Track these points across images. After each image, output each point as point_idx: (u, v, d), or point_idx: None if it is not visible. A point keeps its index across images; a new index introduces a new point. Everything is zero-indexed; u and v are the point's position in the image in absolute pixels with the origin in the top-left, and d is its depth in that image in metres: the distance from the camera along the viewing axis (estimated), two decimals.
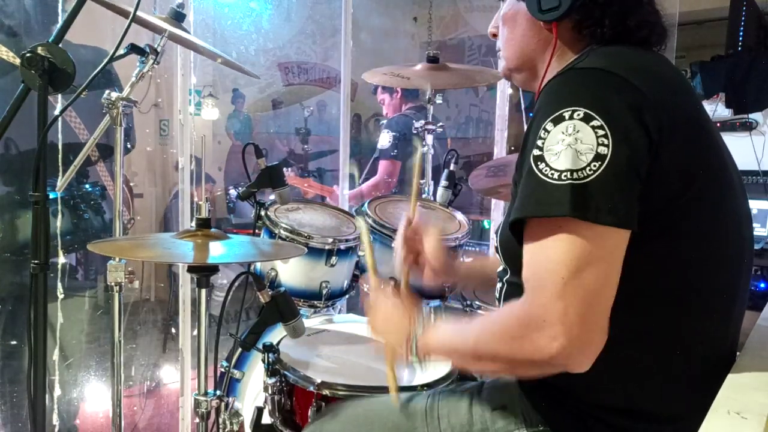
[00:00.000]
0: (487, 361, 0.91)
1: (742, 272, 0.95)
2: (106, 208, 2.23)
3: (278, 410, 1.39)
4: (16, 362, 2.08)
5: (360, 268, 1.87)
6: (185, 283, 2.09)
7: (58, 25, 1.10)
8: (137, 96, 1.49)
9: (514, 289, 0.99)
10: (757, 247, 3.14)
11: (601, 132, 0.78)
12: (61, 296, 2.01)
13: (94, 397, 2.46)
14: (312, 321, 1.77)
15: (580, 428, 0.93)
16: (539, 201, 0.80)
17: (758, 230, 3.29)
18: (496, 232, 1.06)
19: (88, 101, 1.50)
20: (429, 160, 2.42)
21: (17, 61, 1.81)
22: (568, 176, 0.78)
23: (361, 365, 1.45)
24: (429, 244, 1.38)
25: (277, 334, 1.57)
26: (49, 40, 1.07)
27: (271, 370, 1.38)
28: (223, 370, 1.62)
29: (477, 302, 1.72)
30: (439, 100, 2.43)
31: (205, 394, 1.24)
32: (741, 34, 3.27)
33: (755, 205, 3.22)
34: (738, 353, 0.98)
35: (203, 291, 1.21)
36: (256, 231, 1.75)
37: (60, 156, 1.88)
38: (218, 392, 1.26)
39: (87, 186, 2.23)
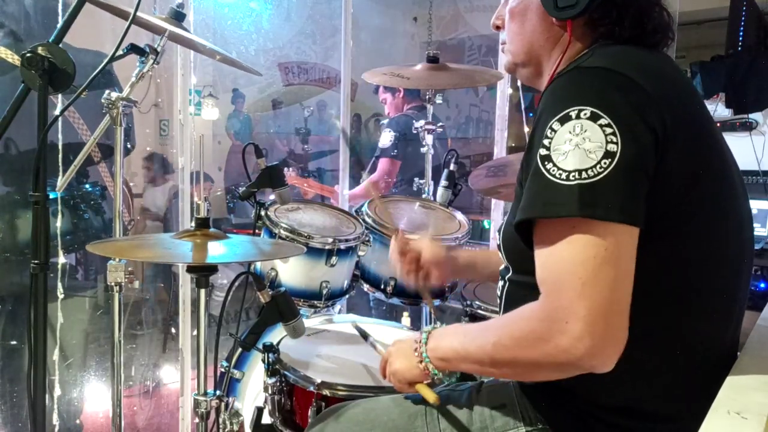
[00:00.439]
0: (506, 367, 0.89)
1: (742, 272, 0.95)
2: (106, 208, 2.24)
3: (278, 410, 1.39)
4: (16, 362, 2.08)
5: (360, 269, 1.87)
6: (185, 283, 2.09)
7: (59, 26, 1.10)
8: (137, 96, 1.49)
9: (517, 288, 0.99)
10: (757, 247, 3.14)
11: (609, 130, 0.78)
12: (61, 296, 2.01)
13: (94, 397, 2.46)
14: (312, 321, 1.78)
15: (580, 427, 0.93)
16: (548, 202, 0.80)
17: (758, 230, 3.29)
18: (499, 231, 1.06)
19: (88, 101, 1.50)
20: (429, 160, 2.42)
21: (17, 61, 1.81)
22: (577, 176, 0.78)
23: (361, 365, 1.45)
24: (426, 252, 1.39)
25: (277, 334, 1.58)
26: (49, 40, 1.07)
27: (271, 370, 1.38)
28: (223, 370, 1.62)
29: (477, 302, 1.72)
30: (439, 100, 2.43)
31: (205, 394, 1.24)
32: (741, 34, 3.26)
33: (755, 205, 3.22)
34: (738, 353, 0.98)
35: (203, 291, 1.21)
36: (256, 231, 1.75)
37: (60, 156, 1.88)
38: (218, 392, 1.26)
39: (87, 186, 2.23)
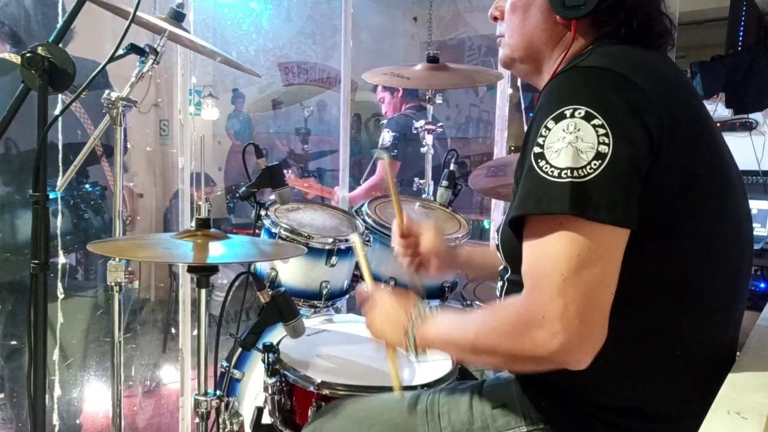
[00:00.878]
0: (485, 354, 0.92)
1: (742, 272, 0.95)
2: (106, 208, 2.24)
3: (278, 410, 1.39)
4: (16, 362, 2.08)
5: (360, 269, 1.87)
6: (185, 283, 2.09)
7: (59, 26, 1.10)
8: (137, 96, 1.49)
9: (515, 288, 0.99)
10: (757, 247, 3.14)
11: (602, 131, 0.78)
12: (61, 296, 2.01)
13: (94, 397, 2.46)
14: (312, 321, 1.77)
15: (580, 427, 0.93)
16: (539, 198, 0.80)
17: (758, 230, 3.29)
18: (498, 230, 1.06)
19: (89, 100, 1.51)
20: (429, 160, 2.42)
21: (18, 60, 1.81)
22: (569, 174, 0.78)
23: (361, 365, 1.45)
24: (427, 241, 1.39)
25: (277, 334, 1.58)
26: (49, 40, 1.07)
27: (271, 370, 1.38)
28: (223, 370, 1.62)
29: (477, 302, 1.72)
30: (439, 100, 2.43)
31: (205, 394, 1.24)
32: (741, 34, 3.26)
33: (755, 205, 3.22)
34: (738, 353, 0.98)
35: (203, 291, 1.21)
36: (256, 231, 1.75)
37: (60, 156, 1.88)
38: (218, 392, 1.26)
39: (87, 186, 2.23)
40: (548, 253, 0.80)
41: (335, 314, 1.93)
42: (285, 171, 3.25)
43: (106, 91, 1.44)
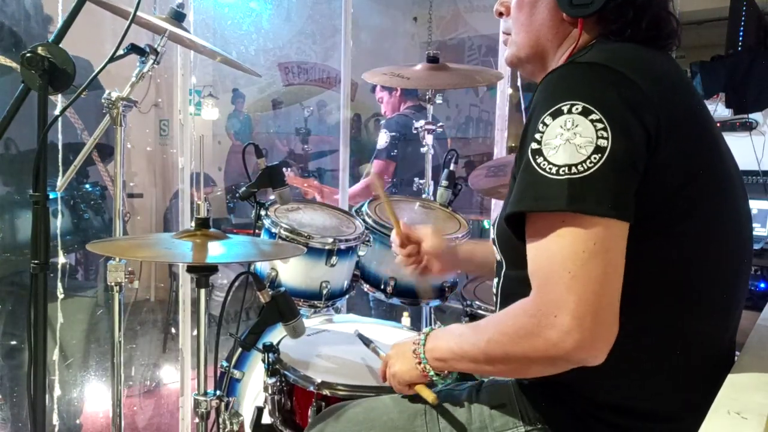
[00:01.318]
0: (499, 363, 0.90)
1: (741, 272, 0.95)
2: (106, 208, 2.24)
3: (278, 410, 1.39)
4: (16, 362, 2.08)
5: (360, 269, 1.87)
6: (185, 283, 2.09)
7: (59, 26, 1.10)
8: (137, 96, 1.49)
9: (512, 283, 0.99)
10: (757, 247, 3.14)
11: (600, 125, 0.78)
12: (61, 296, 2.01)
13: (94, 397, 2.46)
14: (312, 321, 1.78)
15: (579, 427, 0.93)
16: (537, 196, 0.80)
17: (758, 230, 3.29)
18: (493, 225, 1.06)
19: (77, 101, 1.50)
20: (429, 160, 2.42)
21: (14, 65, 1.81)
22: (566, 171, 0.78)
23: (361, 365, 1.45)
24: (427, 244, 1.40)
25: (277, 334, 1.58)
26: (49, 40, 1.07)
27: (271, 370, 1.38)
28: (223, 370, 1.62)
29: (477, 302, 1.72)
30: (439, 100, 2.43)
31: (205, 394, 1.24)
32: (741, 34, 3.26)
33: (755, 205, 3.22)
34: (738, 353, 0.98)
35: (203, 291, 1.21)
36: (256, 231, 1.75)
37: (60, 156, 1.88)
38: (218, 392, 1.26)
39: (87, 186, 2.23)
40: (553, 251, 0.80)
41: (335, 314, 1.93)
42: (285, 170, 3.25)
43: (107, 91, 1.44)
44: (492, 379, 1.10)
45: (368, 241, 1.81)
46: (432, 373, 1.02)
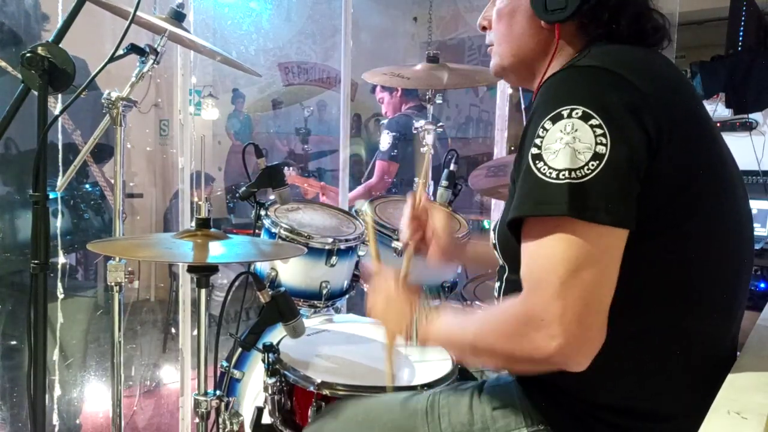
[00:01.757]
0: (484, 355, 0.93)
1: (742, 272, 0.95)
2: (106, 208, 2.24)
3: (278, 410, 1.39)
4: (16, 362, 2.08)
5: (360, 268, 1.87)
6: (185, 283, 2.09)
7: (59, 26, 1.10)
8: (137, 96, 1.49)
9: (514, 287, 0.99)
10: (757, 247, 3.14)
11: (599, 131, 0.78)
12: (61, 296, 2.01)
13: (94, 397, 2.46)
14: (312, 321, 1.77)
15: (580, 427, 0.93)
16: (537, 200, 0.80)
17: (758, 230, 3.29)
18: (494, 230, 1.06)
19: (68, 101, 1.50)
20: (429, 161, 2.42)
21: (9, 67, 1.81)
22: (566, 175, 0.78)
23: (361, 365, 1.45)
24: (437, 219, 1.37)
25: (277, 334, 1.57)
26: (49, 40, 1.07)
27: (271, 370, 1.38)
28: (223, 370, 1.62)
29: (477, 302, 1.72)
30: (439, 100, 2.43)
31: (205, 394, 1.24)
32: (741, 34, 3.26)
33: (755, 205, 3.22)
34: (738, 353, 0.98)
35: (203, 291, 1.21)
36: (256, 231, 1.75)
37: (60, 156, 1.88)
38: (218, 392, 1.26)
39: (87, 186, 2.23)
40: (546, 255, 0.80)
41: (335, 314, 1.93)
42: (286, 169, 3.24)
43: (107, 91, 1.44)
44: (494, 379, 1.10)
45: (368, 240, 1.81)
46: (415, 342, 1.03)
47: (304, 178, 3.56)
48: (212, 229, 1.19)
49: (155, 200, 4.31)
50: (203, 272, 1.19)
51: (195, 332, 1.26)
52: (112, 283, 1.47)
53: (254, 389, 1.72)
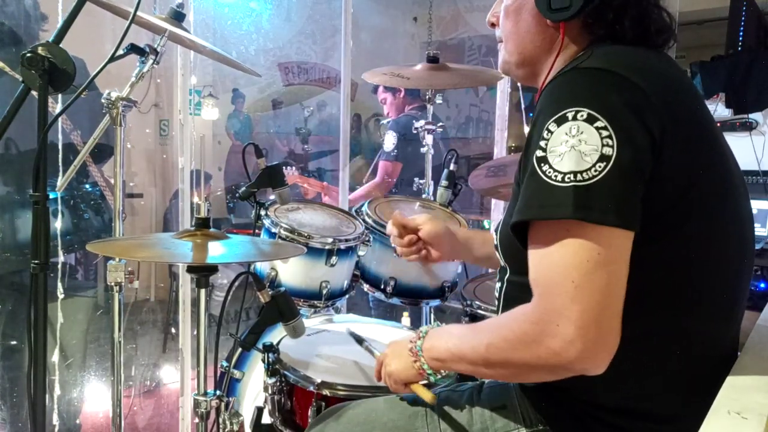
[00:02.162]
0: (498, 367, 0.89)
1: (743, 273, 0.95)
2: (106, 208, 2.24)
3: (278, 410, 1.39)
4: (16, 362, 2.08)
5: (360, 269, 1.87)
6: (185, 283, 2.09)
7: (59, 26, 1.10)
8: (137, 96, 1.49)
9: (515, 288, 0.99)
10: (757, 247, 3.14)
11: (605, 133, 0.78)
12: (61, 296, 2.01)
13: (94, 397, 2.46)
14: (312, 321, 1.77)
15: (580, 427, 0.93)
16: (543, 203, 0.80)
17: (758, 230, 3.29)
18: (496, 230, 1.06)
19: (66, 101, 1.50)
20: (429, 160, 2.42)
21: (6, 68, 1.81)
22: (572, 178, 0.77)
23: (361, 365, 1.45)
24: (424, 230, 1.41)
25: (277, 334, 1.57)
26: (49, 40, 1.07)
27: (271, 370, 1.38)
28: (223, 370, 1.62)
29: (477, 302, 1.72)
30: (439, 100, 2.43)
31: (205, 394, 1.24)
32: (741, 34, 3.26)
33: (755, 205, 3.22)
34: (738, 353, 0.98)
35: (203, 291, 1.21)
36: (256, 231, 1.75)
37: (60, 156, 1.88)
38: (218, 392, 1.26)
39: (87, 186, 2.23)
40: (557, 259, 0.79)
41: (335, 314, 1.93)
42: (286, 168, 3.23)
43: (107, 91, 1.44)
44: (493, 380, 1.09)
45: (368, 241, 1.81)
46: (430, 372, 1.01)
47: (305, 178, 3.56)
48: (212, 229, 1.19)
49: (155, 200, 4.31)
50: (203, 272, 1.19)
51: (195, 332, 1.26)
52: (112, 283, 1.47)
53: (254, 389, 1.72)
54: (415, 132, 2.44)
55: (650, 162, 0.80)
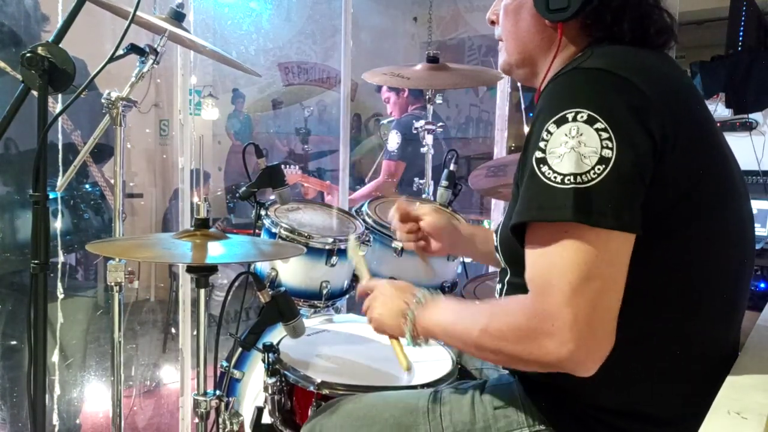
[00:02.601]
0: (489, 353, 0.91)
1: (744, 273, 0.95)
2: (106, 208, 2.23)
3: (278, 410, 1.38)
4: (16, 362, 2.08)
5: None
6: (185, 283, 2.09)
7: (59, 26, 1.10)
8: (137, 96, 1.49)
9: (515, 290, 0.99)
10: (757, 247, 3.14)
11: (605, 135, 0.77)
12: (61, 296, 2.01)
13: (94, 397, 2.46)
14: (312, 321, 1.77)
15: (582, 428, 0.93)
16: (542, 205, 0.80)
17: (758, 230, 3.29)
18: (496, 232, 1.05)
19: (66, 101, 1.50)
20: (429, 160, 2.42)
21: (8, 68, 1.81)
22: (572, 180, 0.77)
23: (361, 365, 1.45)
24: (426, 220, 1.40)
25: (277, 334, 1.57)
26: (49, 40, 1.07)
27: (271, 370, 1.38)
28: (223, 370, 1.62)
29: (477, 302, 1.72)
30: (439, 100, 2.43)
31: (205, 394, 1.24)
32: (741, 34, 3.26)
33: (755, 205, 3.21)
34: (738, 353, 0.97)
35: (203, 291, 1.21)
36: (256, 231, 1.75)
37: (60, 156, 1.88)
38: (218, 392, 1.26)
39: (87, 186, 2.23)
40: (554, 261, 0.79)
41: (335, 314, 1.93)
42: (288, 168, 3.23)
43: (106, 91, 1.44)
44: (495, 379, 1.10)
45: (368, 241, 1.81)
46: (410, 341, 1.03)
47: (308, 177, 3.56)
48: (212, 229, 1.19)
49: (155, 200, 4.31)
50: (202, 272, 1.19)
51: (195, 332, 1.26)
52: (112, 283, 1.47)
53: (254, 389, 1.72)
54: (415, 132, 2.44)
55: (651, 165, 0.80)
